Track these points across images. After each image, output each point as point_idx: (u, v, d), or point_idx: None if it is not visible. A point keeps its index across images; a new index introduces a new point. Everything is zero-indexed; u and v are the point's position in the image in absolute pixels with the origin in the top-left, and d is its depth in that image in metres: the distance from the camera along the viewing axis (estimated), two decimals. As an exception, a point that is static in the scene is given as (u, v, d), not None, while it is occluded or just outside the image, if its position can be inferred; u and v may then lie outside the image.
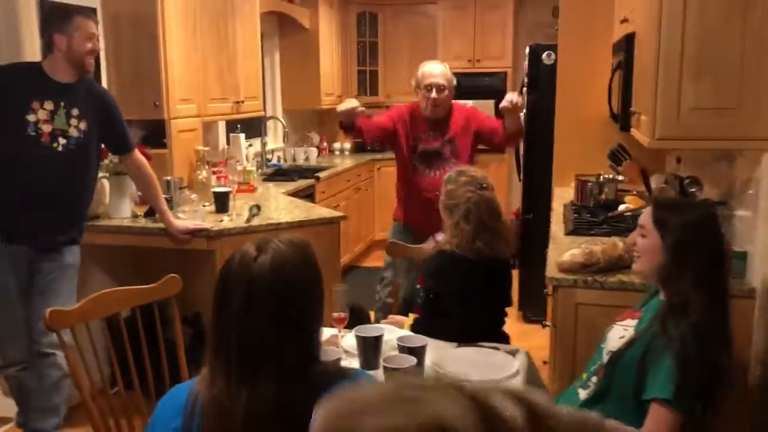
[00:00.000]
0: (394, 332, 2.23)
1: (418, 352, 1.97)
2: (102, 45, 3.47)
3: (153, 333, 2.27)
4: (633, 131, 2.82)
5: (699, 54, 2.16)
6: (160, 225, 3.22)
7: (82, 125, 2.77)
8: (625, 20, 3.19)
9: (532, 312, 4.33)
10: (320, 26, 5.87)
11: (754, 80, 2.14)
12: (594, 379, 1.94)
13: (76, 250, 2.87)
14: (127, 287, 2.27)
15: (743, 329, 2.16)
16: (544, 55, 4.43)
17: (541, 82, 4.47)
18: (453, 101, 3.57)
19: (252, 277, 1.22)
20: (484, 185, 2.41)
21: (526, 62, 4.61)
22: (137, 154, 3.02)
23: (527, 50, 4.60)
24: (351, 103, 3.39)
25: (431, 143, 3.51)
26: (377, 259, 5.81)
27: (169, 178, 3.35)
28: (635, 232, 1.99)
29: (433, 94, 3.41)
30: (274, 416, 1.18)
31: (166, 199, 3.30)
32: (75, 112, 2.75)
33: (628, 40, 2.89)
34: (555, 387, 2.43)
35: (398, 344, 2.02)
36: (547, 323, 2.70)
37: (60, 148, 2.70)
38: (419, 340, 2.03)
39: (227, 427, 1.19)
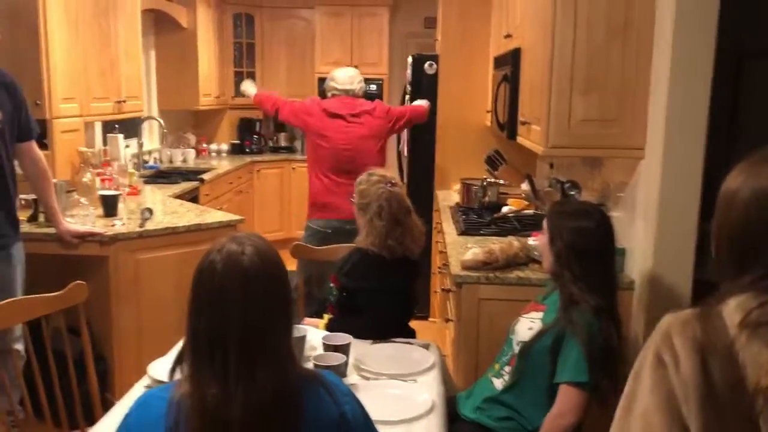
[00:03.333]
0: (315, 332, 2.28)
1: (344, 350, 2.04)
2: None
3: (41, 345, 2.17)
4: (520, 139, 3.06)
5: (587, 70, 2.41)
6: (45, 230, 3.06)
7: None
8: (509, 35, 3.44)
9: (418, 309, 4.51)
10: (198, 26, 5.75)
11: (631, 95, 2.42)
12: (507, 368, 2.11)
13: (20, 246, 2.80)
14: (30, 296, 2.16)
15: (624, 317, 2.43)
16: (426, 65, 4.63)
17: (423, 90, 4.67)
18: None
19: (246, 271, 1.24)
20: (394, 182, 2.54)
21: (409, 71, 4.79)
22: (35, 145, 2.86)
23: (410, 59, 4.79)
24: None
25: (338, 140, 3.80)
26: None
27: (54, 180, 3.17)
28: (539, 232, 2.21)
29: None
30: (275, 409, 1.21)
31: (52, 203, 3.14)
32: None
33: (515, 55, 3.13)
34: (461, 378, 2.59)
35: (323, 343, 2.08)
36: (450, 318, 2.86)
37: None
38: (343, 338, 2.10)
39: (224, 430, 1.19)
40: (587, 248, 2.03)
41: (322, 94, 4.12)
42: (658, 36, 2.34)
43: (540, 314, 2.11)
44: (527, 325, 2.11)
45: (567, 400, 1.90)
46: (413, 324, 2.67)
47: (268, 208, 6.37)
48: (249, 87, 4.32)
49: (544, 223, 2.16)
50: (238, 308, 1.23)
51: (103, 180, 3.73)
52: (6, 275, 2.71)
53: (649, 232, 2.39)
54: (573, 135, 2.46)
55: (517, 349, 2.07)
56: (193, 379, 1.23)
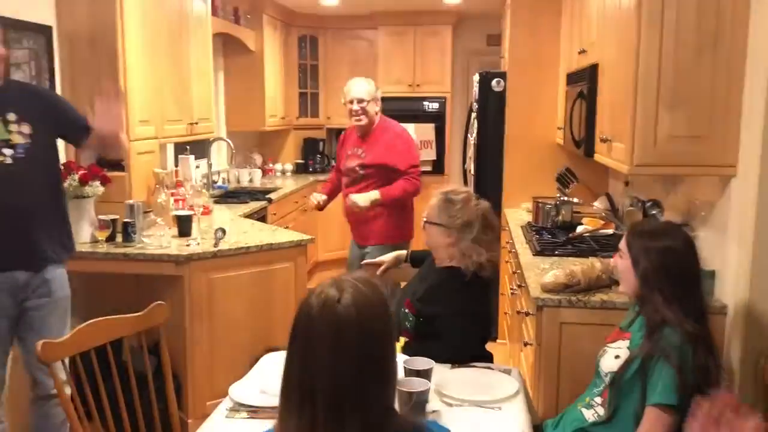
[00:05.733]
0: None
1: (427, 375, 1.99)
2: (57, 64, 3.37)
3: (120, 364, 2.17)
4: (599, 157, 2.97)
5: (674, 84, 2.31)
6: (123, 250, 3.12)
7: (25, 128, 2.48)
8: (583, 51, 3.36)
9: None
10: (265, 48, 5.84)
11: (722, 110, 2.31)
12: (598, 399, 2.02)
13: (63, 277, 2.64)
14: (114, 317, 2.18)
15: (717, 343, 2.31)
16: (493, 82, 4.57)
17: (489, 108, 4.62)
18: (388, 121, 4.00)
19: (339, 320, 1.16)
20: (478, 196, 2.51)
21: (476, 88, 4.75)
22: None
23: (476, 77, 4.74)
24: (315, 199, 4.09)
25: (352, 159, 3.93)
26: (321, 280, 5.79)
27: (131, 201, 3.24)
28: (616, 254, 2.11)
29: (354, 106, 3.86)
30: None
31: (129, 222, 3.20)
32: (11, 116, 2.46)
33: (592, 71, 3.05)
34: (541, 404, 2.51)
35: (405, 367, 2.03)
36: (530, 342, 2.78)
37: (8, 161, 2.42)
38: (424, 362, 2.05)
39: None
40: (677, 268, 1.94)
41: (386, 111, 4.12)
42: (752, 47, 2.23)
43: (626, 342, 2.02)
44: (614, 354, 2.01)
45: (653, 422, 1.80)
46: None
47: (331, 227, 6.37)
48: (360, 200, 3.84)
49: (623, 246, 2.07)
50: (328, 359, 1.15)
51: (176, 200, 3.79)
52: (46, 308, 2.56)
53: (744, 254, 2.26)
54: (660, 152, 2.36)
55: (607, 380, 1.98)
56: (284, 427, 1.17)
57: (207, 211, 4.11)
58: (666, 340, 1.85)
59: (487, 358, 2.51)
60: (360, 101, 3.85)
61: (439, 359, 2.30)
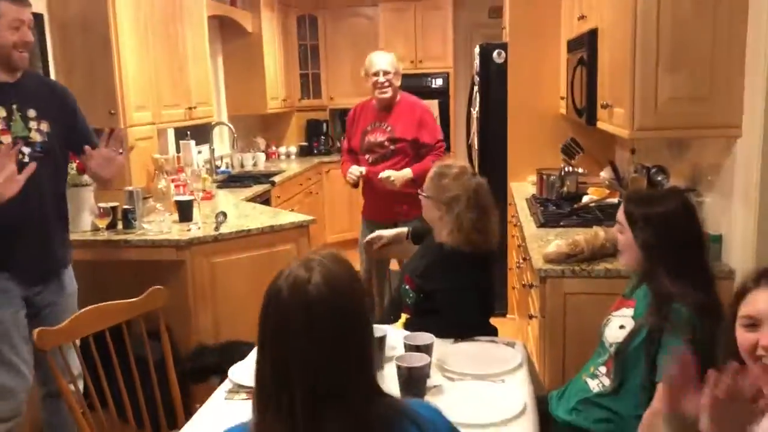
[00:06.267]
0: (395, 332, 2.21)
1: (427, 350, 1.96)
2: (50, 52, 3.34)
3: (122, 350, 2.16)
4: (601, 124, 2.91)
5: (673, 45, 2.25)
6: (124, 237, 3.11)
7: (44, 126, 2.39)
8: (582, 17, 3.29)
9: (496, 305, 4.39)
10: (263, 30, 5.78)
11: (724, 70, 2.24)
12: (602, 369, 1.97)
13: (71, 273, 2.62)
14: (112, 302, 2.16)
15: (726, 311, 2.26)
16: (494, 54, 4.49)
17: (491, 81, 4.54)
18: (409, 95, 3.88)
19: (310, 300, 1.10)
20: (474, 173, 2.45)
21: (477, 61, 4.67)
22: None
23: (477, 49, 4.66)
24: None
25: (375, 134, 3.76)
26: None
27: (131, 188, 3.22)
28: (615, 227, 2.05)
29: (380, 78, 3.68)
30: None
31: (129, 209, 3.18)
32: (31, 113, 2.37)
33: (591, 36, 2.98)
34: (548, 376, 2.48)
35: (405, 343, 2.01)
36: (534, 315, 2.74)
37: (26, 159, 2.29)
38: (425, 338, 2.02)
39: None
40: (679, 235, 1.88)
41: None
42: (753, 3, 2.16)
43: (630, 311, 1.96)
44: (618, 324, 1.96)
45: None
46: (492, 321, 2.56)
47: (337, 209, 6.35)
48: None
49: (621, 218, 2.00)
50: (302, 343, 1.09)
51: (177, 186, 3.78)
52: (59, 305, 2.51)
53: (749, 216, 2.20)
54: (660, 115, 2.29)
55: (612, 350, 1.94)
56: (259, 426, 1.12)
57: (209, 196, 4.09)
58: (674, 315, 1.79)
59: (491, 332, 2.48)
60: (386, 73, 3.70)
61: (441, 335, 2.28)
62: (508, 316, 4.40)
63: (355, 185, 3.83)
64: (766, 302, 1.30)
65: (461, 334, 2.28)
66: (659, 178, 2.82)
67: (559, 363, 2.45)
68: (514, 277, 4.13)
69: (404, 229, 2.89)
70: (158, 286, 2.24)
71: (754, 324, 1.30)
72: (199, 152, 4.99)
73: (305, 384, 1.08)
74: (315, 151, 6.77)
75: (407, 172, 3.64)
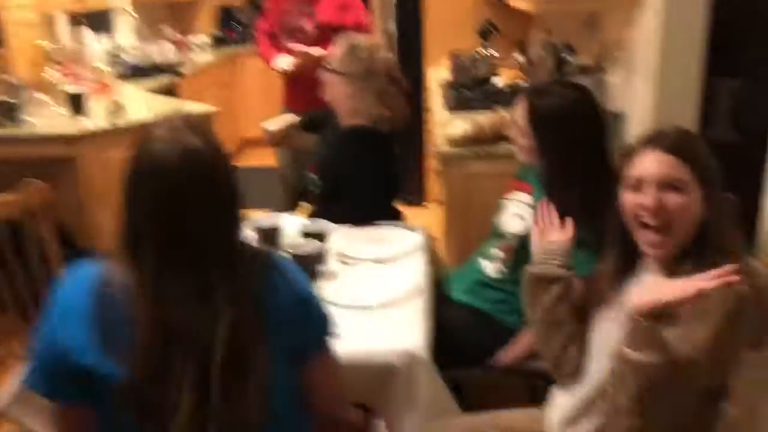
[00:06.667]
0: (293, 221, 2.14)
1: (322, 237, 1.91)
2: None
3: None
4: (513, 0, 2.80)
5: None
6: (6, 132, 2.88)
7: None
8: None
9: (411, 194, 4.39)
10: None
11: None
12: (500, 253, 1.93)
13: None
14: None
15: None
16: (409, -69, 4.25)
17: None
18: None
19: (159, 160, 1.12)
20: (381, 47, 2.34)
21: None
22: None
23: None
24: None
25: (297, 18, 3.41)
26: (251, 158, 5.61)
27: (12, 79, 2.96)
28: (512, 124, 1.95)
29: None
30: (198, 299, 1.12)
31: (12, 102, 2.94)
32: None
33: None
34: (453, 258, 2.48)
35: (302, 231, 1.95)
36: (440, 198, 2.72)
37: None
38: (320, 225, 1.97)
39: (158, 313, 1.10)
40: (577, 132, 1.78)
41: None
42: None
43: (527, 197, 1.91)
44: (514, 212, 1.92)
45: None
46: (408, 212, 2.52)
47: (253, 101, 6.10)
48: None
49: (518, 113, 1.87)
50: (156, 201, 1.12)
51: (67, 76, 3.50)
52: None
53: (648, 91, 2.18)
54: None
55: (512, 242, 1.90)
56: (126, 261, 1.13)
57: (107, 89, 3.82)
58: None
59: (396, 216, 2.44)
60: None
61: (345, 221, 2.23)
62: (424, 203, 4.41)
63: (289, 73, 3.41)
64: (651, 163, 1.28)
65: (366, 219, 2.24)
66: (567, 57, 2.77)
67: (463, 244, 2.45)
68: (432, 165, 4.10)
69: (295, 117, 2.71)
70: (36, 181, 2.09)
71: (639, 186, 1.29)
72: (99, 42, 4.64)
73: (165, 243, 1.12)
74: (230, 42, 6.41)
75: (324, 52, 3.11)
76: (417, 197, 4.43)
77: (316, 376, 1.26)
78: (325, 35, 3.27)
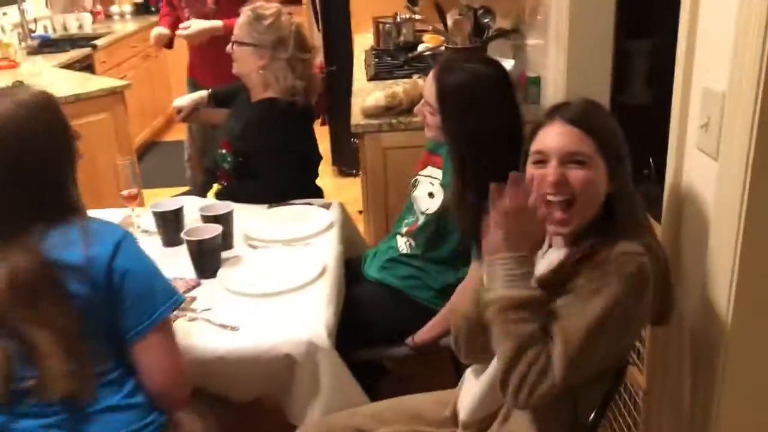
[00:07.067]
0: (196, 203, 2.04)
1: (224, 220, 1.82)
2: None
3: None
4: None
5: None
6: None
7: None
8: None
9: (347, 165, 4.30)
10: None
11: None
12: (409, 229, 1.90)
13: None
14: None
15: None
16: None
17: None
18: None
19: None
20: (285, 12, 2.23)
21: None
22: None
23: None
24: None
25: None
26: (179, 132, 5.41)
27: None
28: (421, 102, 1.85)
29: None
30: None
31: None
32: None
33: None
34: (372, 235, 2.42)
35: (201, 214, 1.85)
36: (356, 172, 2.65)
37: None
38: (223, 206, 1.88)
39: None
40: (483, 103, 1.67)
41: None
42: None
43: (438, 172, 1.85)
44: (427, 190, 1.85)
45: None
46: (341, 182, 2.43)
47: (179, 73, 5.87)
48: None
49: (426, 90, 1.76)
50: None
51: (-34, 54, 3.29)
52: None
53: (561, 55, 2.13)
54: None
55: (423, 219, 1.84)
56: None
57: (12, 65, 3.62)
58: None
59: (315, 194, 2.36)
60: None
61: (260, 200, 2.15)
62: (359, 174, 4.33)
63: (167, 46, 3.36)
64: (553, 136, 1.23)
65: (281, 197, 2.16)
66: (486, 20, 2.70)
67: (381, 220, 2.40)
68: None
69: (203, 93, 2.58)
70: None
71: (543, 160, 1.24)
72: (5, 14, 4.37)
73: None
74: (153, 9, 6.13)
75: (216, 24, 2.99)
76: (352, 167, 4.34)
77: (149, 355, 1.28)
78: (226, 7, 3.08)
